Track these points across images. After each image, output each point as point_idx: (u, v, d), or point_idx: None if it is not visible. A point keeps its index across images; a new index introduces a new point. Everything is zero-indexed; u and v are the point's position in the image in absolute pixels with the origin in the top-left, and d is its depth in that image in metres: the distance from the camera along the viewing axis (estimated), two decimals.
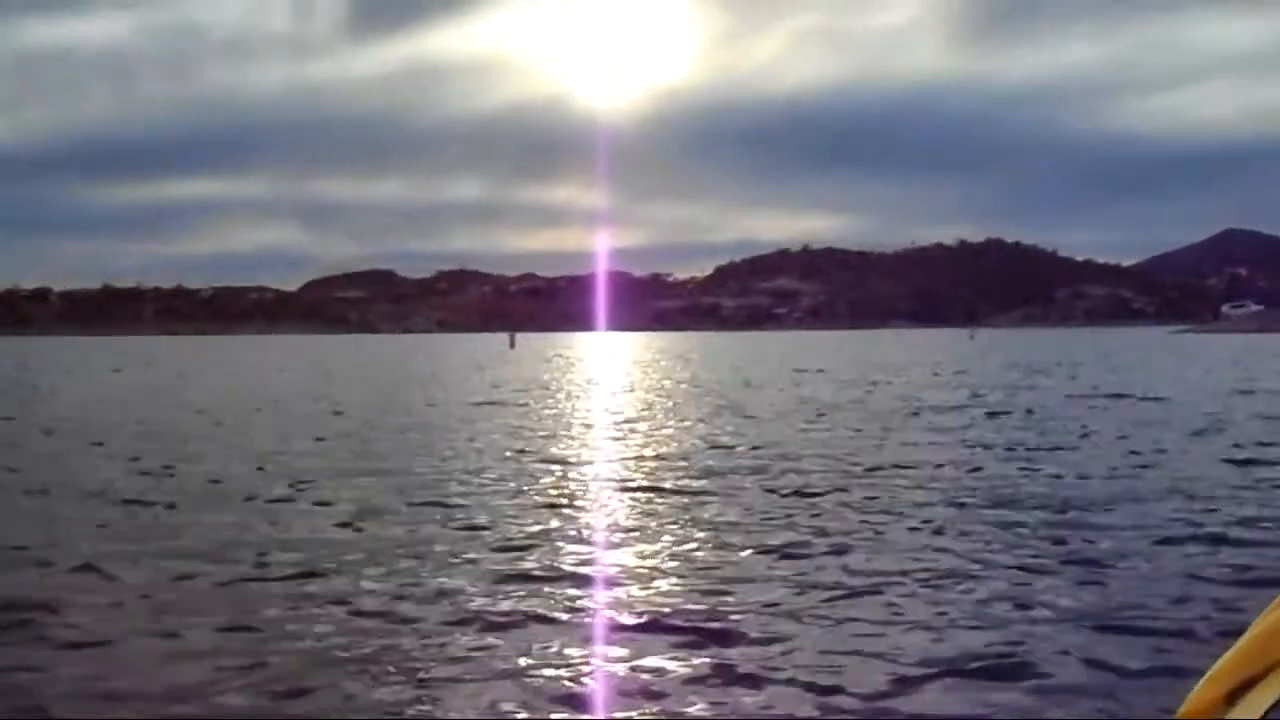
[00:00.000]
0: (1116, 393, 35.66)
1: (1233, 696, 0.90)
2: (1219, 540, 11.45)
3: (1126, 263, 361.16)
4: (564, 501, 14.80)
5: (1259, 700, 0.86)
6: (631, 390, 42.40)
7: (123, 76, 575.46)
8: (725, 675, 7.33)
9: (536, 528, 12.82)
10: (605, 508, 14.44)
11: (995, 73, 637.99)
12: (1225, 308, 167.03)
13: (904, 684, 7.16)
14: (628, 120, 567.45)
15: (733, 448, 21.22)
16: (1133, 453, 19.45)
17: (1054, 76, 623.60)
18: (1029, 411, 29.22)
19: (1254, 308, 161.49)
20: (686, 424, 26.85)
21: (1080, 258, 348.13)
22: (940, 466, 17.90)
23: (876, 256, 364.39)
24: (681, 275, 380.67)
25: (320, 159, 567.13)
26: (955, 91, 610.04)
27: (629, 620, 8.70)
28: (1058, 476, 16.47)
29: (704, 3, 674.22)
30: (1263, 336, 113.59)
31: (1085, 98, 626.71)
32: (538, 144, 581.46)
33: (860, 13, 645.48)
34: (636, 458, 20.05)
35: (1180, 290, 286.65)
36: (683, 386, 43.66)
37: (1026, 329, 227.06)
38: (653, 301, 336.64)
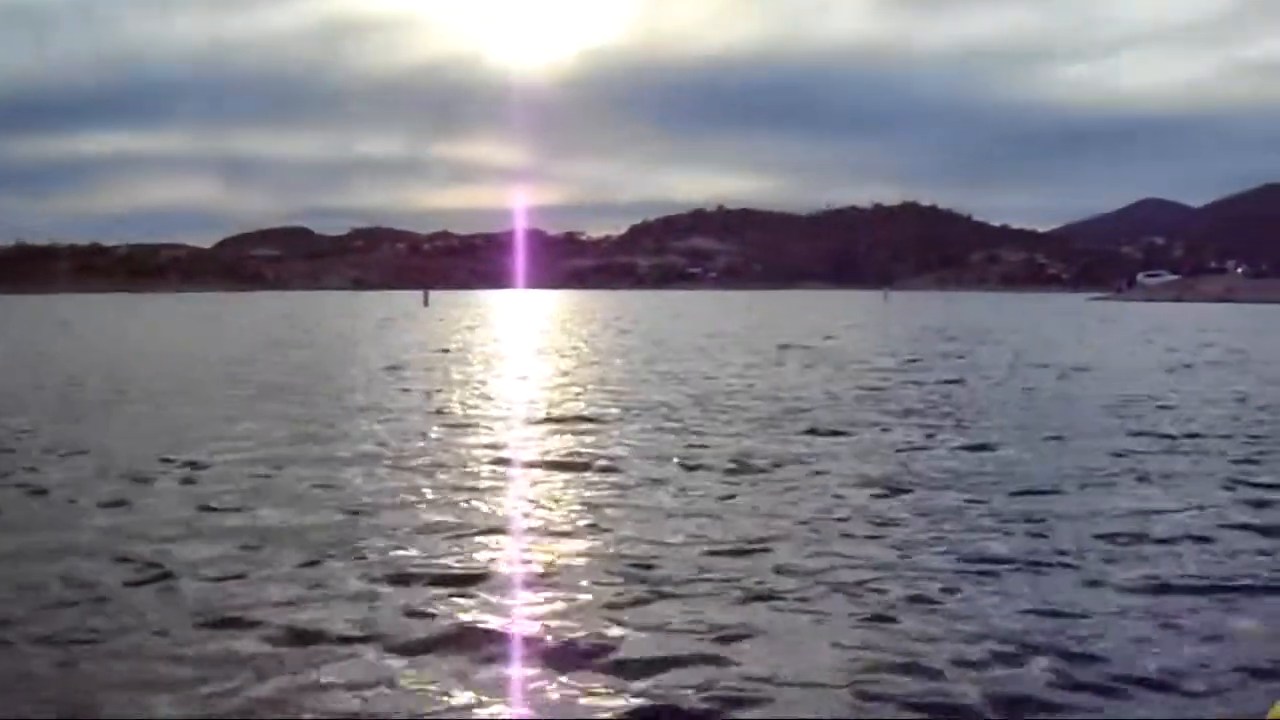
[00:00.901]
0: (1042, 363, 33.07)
1: None
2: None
3: (1043, 229, 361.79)
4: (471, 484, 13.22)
5: None
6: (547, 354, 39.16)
7: (36, 28, 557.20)
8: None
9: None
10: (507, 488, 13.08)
11: (916, 37, 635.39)
12: (1141, 276, 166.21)
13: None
14: (546, 78, 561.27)
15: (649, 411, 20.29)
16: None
17: (976, 42, 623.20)
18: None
19: (1169, 277, 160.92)
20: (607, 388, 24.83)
21: (996, 223, 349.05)
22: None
23: (792, 218, 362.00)
24: (597, 234, 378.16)
25: (237, 114, 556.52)
26: (876, 55, 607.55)
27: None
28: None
29: None
30: (1180, 305, 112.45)
31: (1006, 64, 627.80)
32: (454, 101, 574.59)
33: None
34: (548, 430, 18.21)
35: (1096, 258, 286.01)
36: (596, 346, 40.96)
37: (940, 292, 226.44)
38: (568, 260, 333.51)
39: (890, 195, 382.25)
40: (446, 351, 38.66)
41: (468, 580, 8.87)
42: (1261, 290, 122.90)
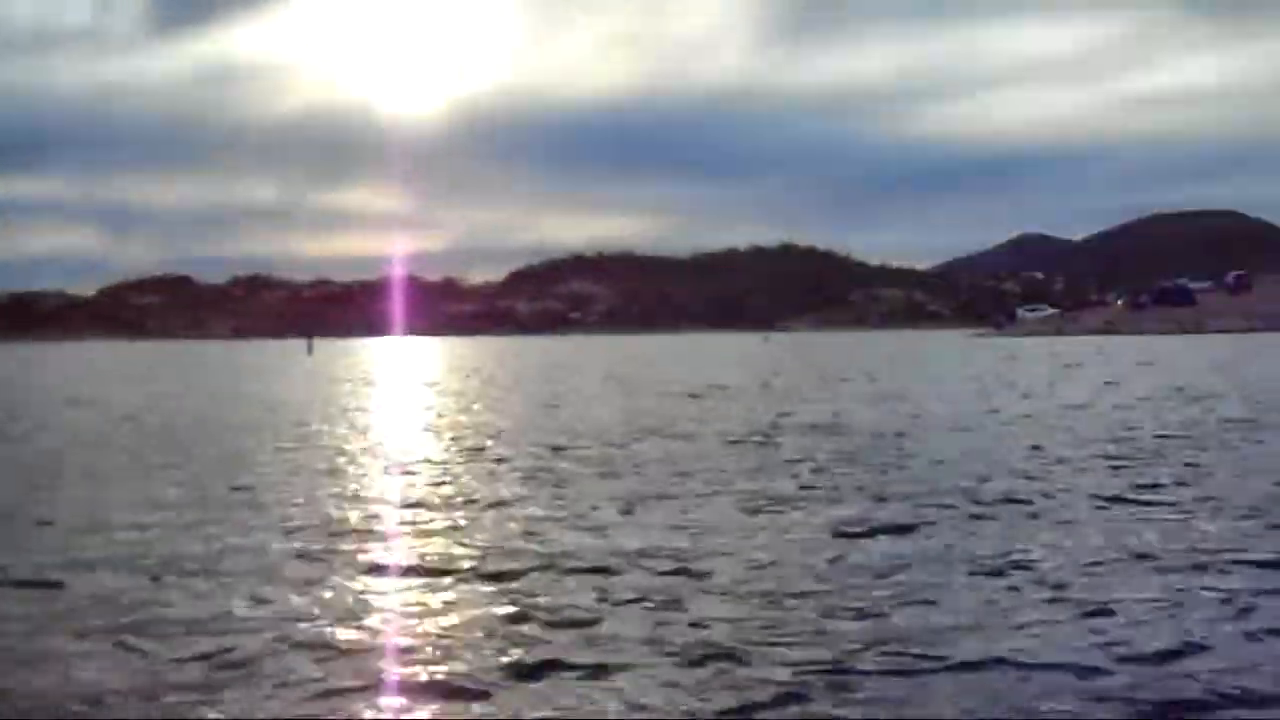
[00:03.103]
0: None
1: None
2: None
3: (922, 266, 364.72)
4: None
5: None
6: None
7: None
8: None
9: None
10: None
11: (794, 79, 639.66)
12: (1021, 311, 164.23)
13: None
14: (425, 125, 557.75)
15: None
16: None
17: (852, 83, 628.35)
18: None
19: (1048, 311, 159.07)
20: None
21: (875, 262, 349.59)
22: None
23: (672, 260, 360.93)
24: (477, 280, 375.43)
25: (118, 160, 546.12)
26: (754, 97, 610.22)
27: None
28: None
29: (507, 6, 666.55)
30: (1059, 339, 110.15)
31: (883, 103, 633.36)
32: (335, 148, 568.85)
33: (663, 17, 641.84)
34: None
35: (976, 294, 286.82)
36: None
37: (821, 332, 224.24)
38: (447, 306, 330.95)
39: (769, 236, 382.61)
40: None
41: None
42: (1142, 322, 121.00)
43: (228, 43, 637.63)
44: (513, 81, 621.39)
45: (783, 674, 6.59)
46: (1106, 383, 36.59)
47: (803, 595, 8.41)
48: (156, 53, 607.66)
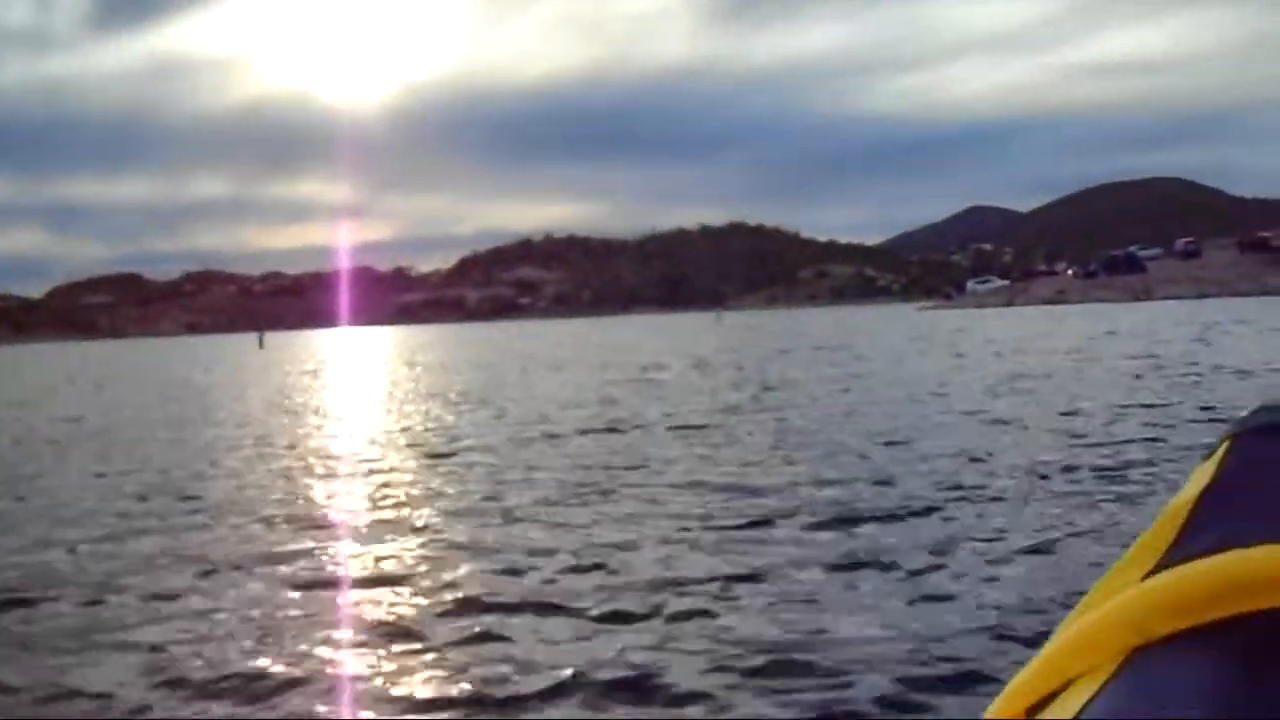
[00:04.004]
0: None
1: (1035, 709, 0.81)
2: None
3: (871, 241, 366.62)
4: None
5: (1059, 713, 0.75)
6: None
7: None
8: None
9: None
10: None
11: (740, 57, 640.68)
12: (970, 283, 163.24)
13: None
14: (373, 114, 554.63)
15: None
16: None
17: (800, 60, 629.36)
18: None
19: (998, 283, 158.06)
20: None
21: (824, 238, 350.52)
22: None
23: (619, 243, 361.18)
24: (426, 268, 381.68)
25: (64, 159, 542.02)
26: (700, 76, 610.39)
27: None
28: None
29: None
30: (1009, 310, 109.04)
31: (831, 80, 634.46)
32: (283, 139, 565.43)
33: None
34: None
35: (925, 267, 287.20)
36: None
37: (771, 310, 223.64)
38: (398, 295, 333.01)
39: (717, 216, 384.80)
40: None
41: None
42: (1092, 290, 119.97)
43: (173, 37, 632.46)
44: (459, 68, 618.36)
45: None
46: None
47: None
48: (101, 49, 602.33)
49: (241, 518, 11.70)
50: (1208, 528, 0.75)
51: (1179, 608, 0.71)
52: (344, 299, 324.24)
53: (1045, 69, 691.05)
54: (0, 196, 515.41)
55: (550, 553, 9.35)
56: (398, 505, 12.29)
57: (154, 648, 7.12)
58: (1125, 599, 0.73)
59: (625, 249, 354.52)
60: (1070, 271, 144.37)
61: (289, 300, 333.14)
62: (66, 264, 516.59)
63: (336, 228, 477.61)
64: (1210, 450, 0.92)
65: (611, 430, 18.44)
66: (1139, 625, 0.71)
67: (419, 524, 11.01)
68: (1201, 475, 0.83)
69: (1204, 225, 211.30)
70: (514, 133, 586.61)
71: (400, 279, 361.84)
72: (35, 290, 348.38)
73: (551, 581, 8.42)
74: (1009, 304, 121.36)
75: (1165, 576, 0.72)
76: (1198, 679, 0.65)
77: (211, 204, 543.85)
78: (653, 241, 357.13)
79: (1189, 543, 0.74)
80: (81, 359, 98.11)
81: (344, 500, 12.84)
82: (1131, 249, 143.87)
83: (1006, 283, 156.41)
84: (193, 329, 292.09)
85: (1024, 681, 0.73)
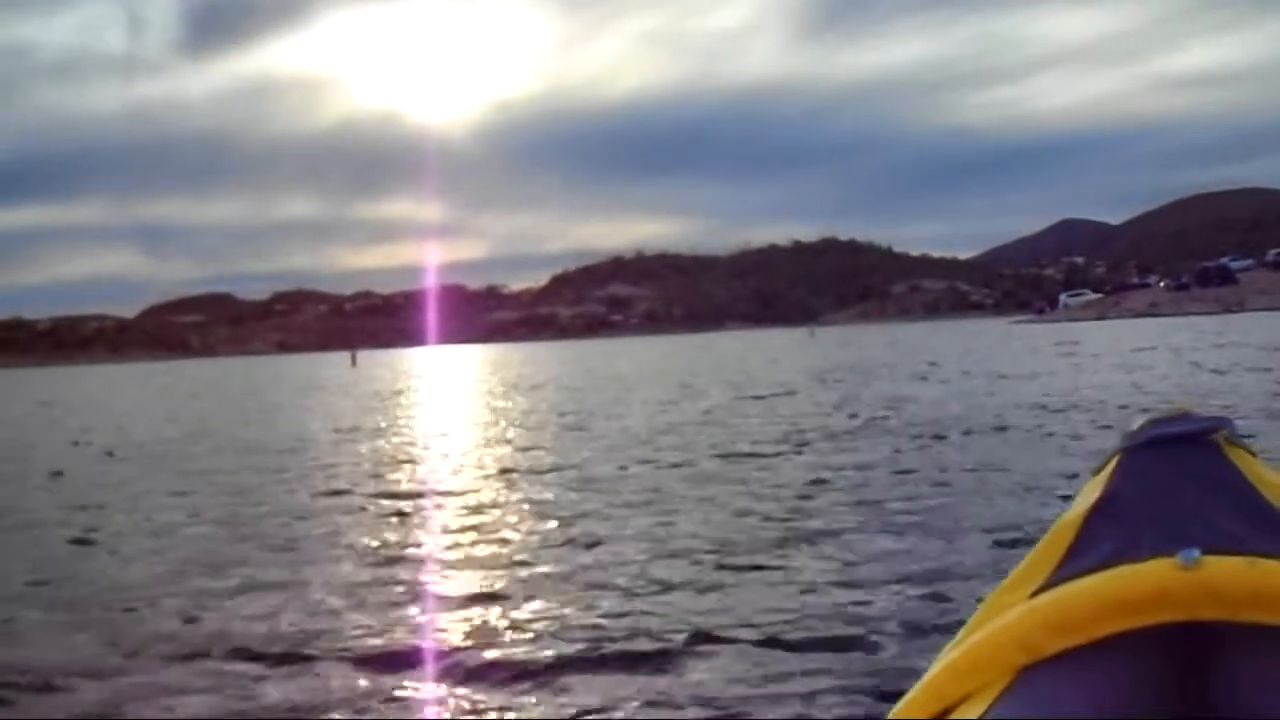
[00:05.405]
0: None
1: (943, 713, 0.88)
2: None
3: (964, 255, 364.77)
4: None
5: (968, 714, 0.84)
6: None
7: None
8: None
9: None
10: None
11: (830, 72, 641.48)
12: (1063, 297, 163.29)
13: None
14: (461, 132, 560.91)
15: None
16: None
17: (889, 73, 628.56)
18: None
19: (1090, 296, 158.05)
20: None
21: (916, 253, 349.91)
22: None
23: (711, 259, 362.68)
24: (517, 286, 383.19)
25: (155, 181, 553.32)
26: (790, 91, 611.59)
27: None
28: None
29: (539, 10, 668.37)
30: (1101, 324, 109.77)
31: (920, 93, 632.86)
32: (372, 159, 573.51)
33: (696, 14, 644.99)
34: None
35: (1018, 281, 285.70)
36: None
37: (864, 324, 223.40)
38: (490, 313, 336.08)
39: (809, 231, 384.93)
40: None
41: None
42: (1184, 303, 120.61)
43: (262, 59, 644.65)
44: (547, 85, 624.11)
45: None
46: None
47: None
48: (191, 73, 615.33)
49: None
50: (1098, 543, 0.83)
51: (1068, 625, 0.78)
52: (435, 317, 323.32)
53: (1132, 80, 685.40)
54: (93, 218, 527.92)
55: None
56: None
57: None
58: (1014, 617, 0.81)
59: (716, 265, 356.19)
60: (1163, 284, 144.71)
61: (380, 319, 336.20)
62: (159, 284, 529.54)
63: (426, 246, 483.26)
64: (1100, 465, 0.89)
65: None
66: (1028, 643, 0.78)
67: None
68: (1091, 490, 0.92)
69: None
70: (603, 150, 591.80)
71: (492, 297, 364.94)
72: (128, 311, 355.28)
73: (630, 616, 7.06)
74: (1101, 317, 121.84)
75: (1054, 593, 0.80)
76: (1086, 697, 0.74)
77: (301, 224, 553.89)
78: (744, 258, 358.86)
79: (1079, 558, 0.82)
80: (168, 379, 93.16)
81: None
82: (1223, 260, 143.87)
83: (1099, 296, 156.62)
84: (284, 348, 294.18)
85: (912, 701, 0.82)
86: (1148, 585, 0.75)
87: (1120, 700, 0.81)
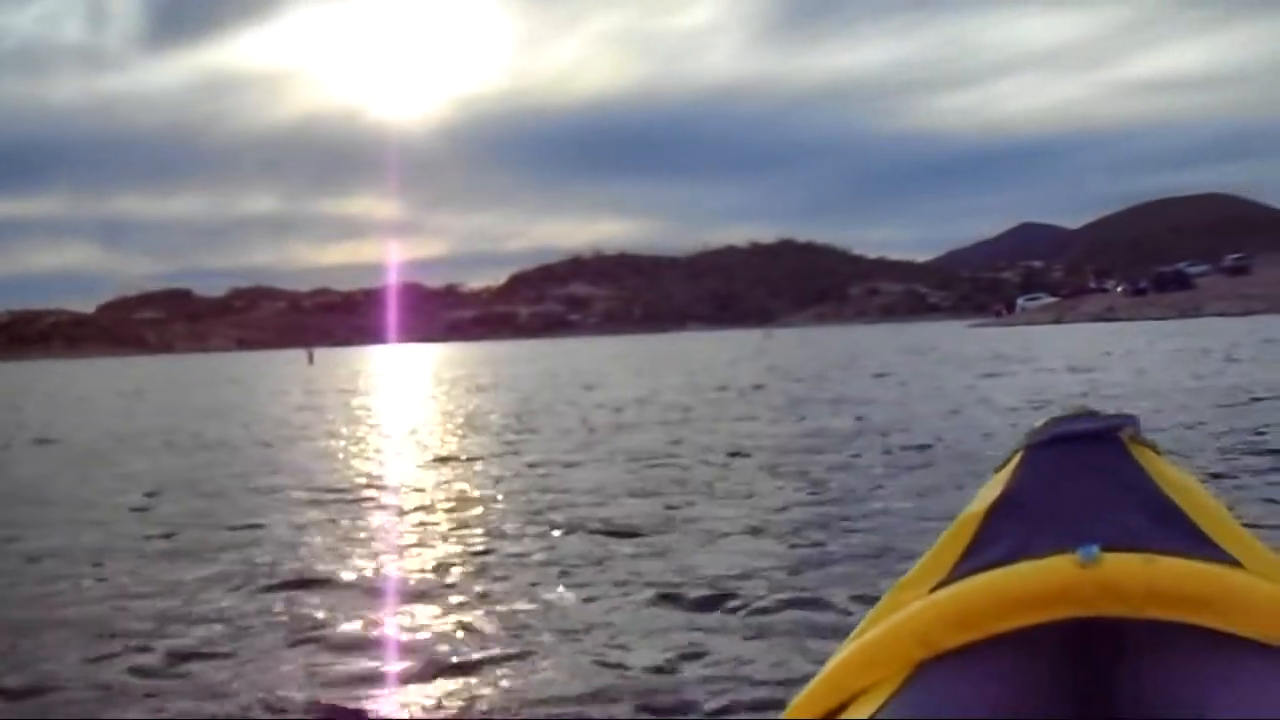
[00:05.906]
0: None
1: (840, 707, 0.87)
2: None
3: (922, 259, 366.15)
4: None
5: (865, 706, 0.84)
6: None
7: None
8: None
9: None
10: None
11: (793, 74, 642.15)
12: (1020, 300, 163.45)
13: None
14: (422, 130, 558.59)
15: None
16: None
17: (851, 76, 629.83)
18: None
19: (1047, 299, 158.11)
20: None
21: (874, 255, 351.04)
22: None
23: (669, 260, 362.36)
24: (476, 285, 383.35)
25: (116, 175, 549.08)
26: (750, 93, 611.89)
27: None
28: None
29: (501, 9, 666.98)
30: (1058, 327, 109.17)
31: (882, 96, 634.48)
32: (332, 156, 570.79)
33: (661, 14, 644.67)
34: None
35: (976, 284, 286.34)
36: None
37: (821, 326, 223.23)
38: (448, 312, 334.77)
39: (767, 233, 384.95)
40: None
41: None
42: (1141, 308, 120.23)
43: (224, 54, 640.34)
44: (509, 84, 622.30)
45: None
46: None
47: None
48: (152, 66, 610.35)
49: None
50: (998, 539, 0.84)
51: (966, 620, 0.79)
52: (394, 315, 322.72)
53: (1095, 86, 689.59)
54: (53, 212, 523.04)
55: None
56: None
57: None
58: (912, 611, 0.82)
59: (675, 266, 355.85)
60: (1120, 289, 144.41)
61: (339, 316, 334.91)
62: (117, 279, 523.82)
63: (386, 244, 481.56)
64: (1002, 462, 1.06)
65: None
66: (926, 638, 0.80)
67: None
68: (993, 487, 0.93)
69: (1255, 240, 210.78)
70: (564, 149, 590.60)
71: (450, 295, 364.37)
72: (86, 305, 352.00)
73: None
74: (1058, 321, 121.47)
75: (953, 588, 0.81)
76: (984, 691, 0.76)
77: (261, 220, 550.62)
78: (702, 259, 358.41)
79: (979, 554, 0.83)
80: (122, 376, 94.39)
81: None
82: (1180, 265, 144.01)
83: (1056, 300, 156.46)
84: (242, 344, 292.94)
85: (810, 694, 0.83)
86: (1047, 581, 0.72)
87: (1018, 695, 0.80)
